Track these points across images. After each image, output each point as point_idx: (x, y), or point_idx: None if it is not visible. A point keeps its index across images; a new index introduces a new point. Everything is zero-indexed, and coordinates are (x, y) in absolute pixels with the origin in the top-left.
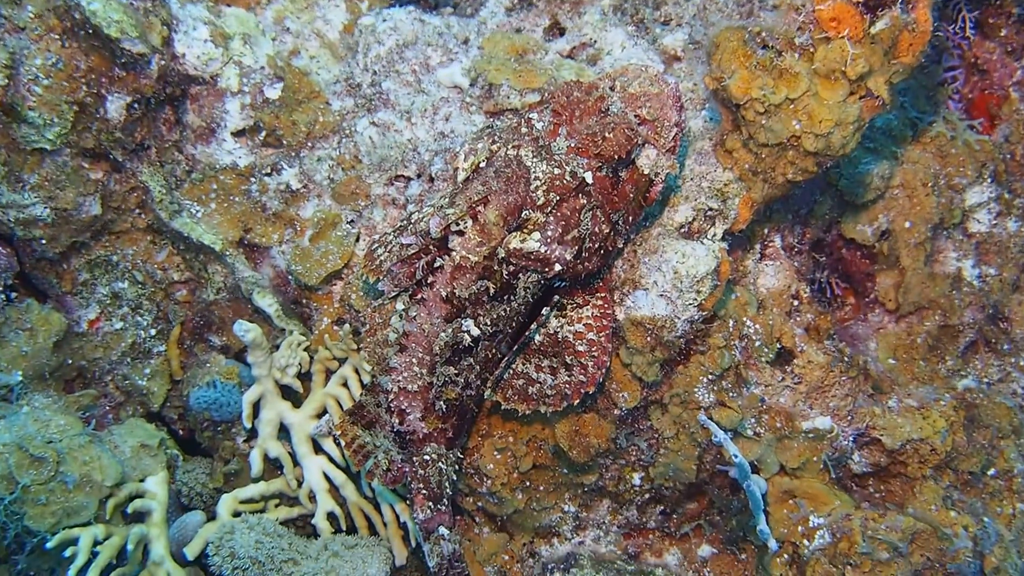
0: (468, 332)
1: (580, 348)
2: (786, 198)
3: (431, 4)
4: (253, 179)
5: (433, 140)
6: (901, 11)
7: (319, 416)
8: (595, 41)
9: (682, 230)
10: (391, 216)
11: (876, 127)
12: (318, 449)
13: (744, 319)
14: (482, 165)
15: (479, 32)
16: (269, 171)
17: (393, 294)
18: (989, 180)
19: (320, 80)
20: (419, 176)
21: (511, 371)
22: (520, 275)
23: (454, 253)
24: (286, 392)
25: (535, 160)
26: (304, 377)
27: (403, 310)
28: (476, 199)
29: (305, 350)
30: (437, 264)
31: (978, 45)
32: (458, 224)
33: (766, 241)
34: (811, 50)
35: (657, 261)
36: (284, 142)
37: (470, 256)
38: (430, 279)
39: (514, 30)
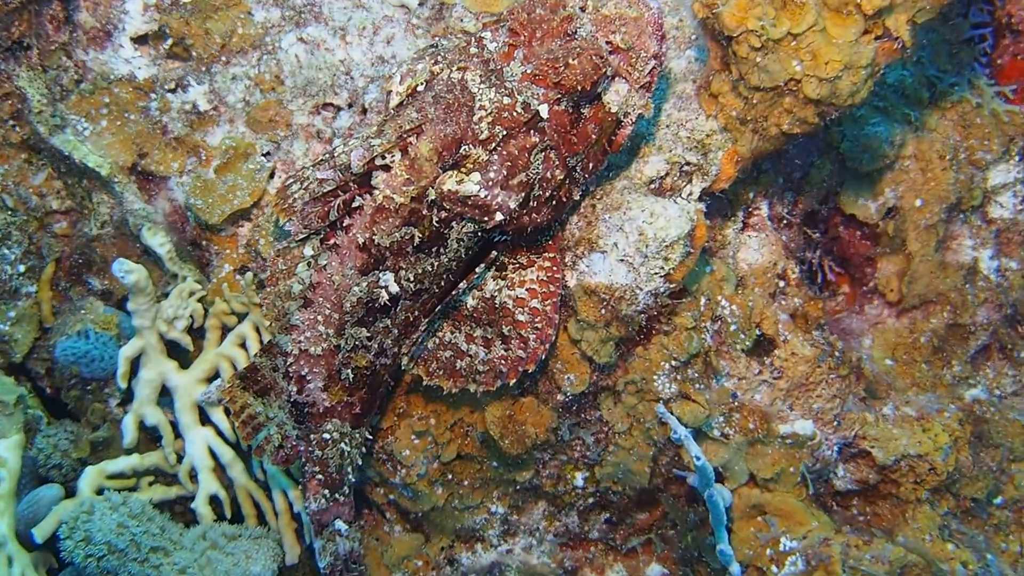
0: (386, 288)
1: (521, 317)
2: (778, 156)
3: None
4: (153, 95)
5: (370, 64)
6: None
7: (210, 380)
8: None
9: (652, 185)
10: (314, 151)
11: (888, 84)
12: (205, 420)
13: (719, 297)
14: (419, 89)
15: None
16: (173, 87)
17: (301, 237)
18: (1018, 159)
19: None
20: (350, 106)
21: (437, 340)
22: (453, 223)
23: (376, 192)
24: (173, 349)
25: (482, 86)
26: (196, 333)
27: (311, 257)
28: (407, 128)
29: (199, 301)
30: (356, 204)
31: (1013, 1)
32: (384, 157)
33: (751, 208)
34: None
35: (619, 219)
36: (194, 54)
37: (395, 196)
38: (346, 222)
39: None
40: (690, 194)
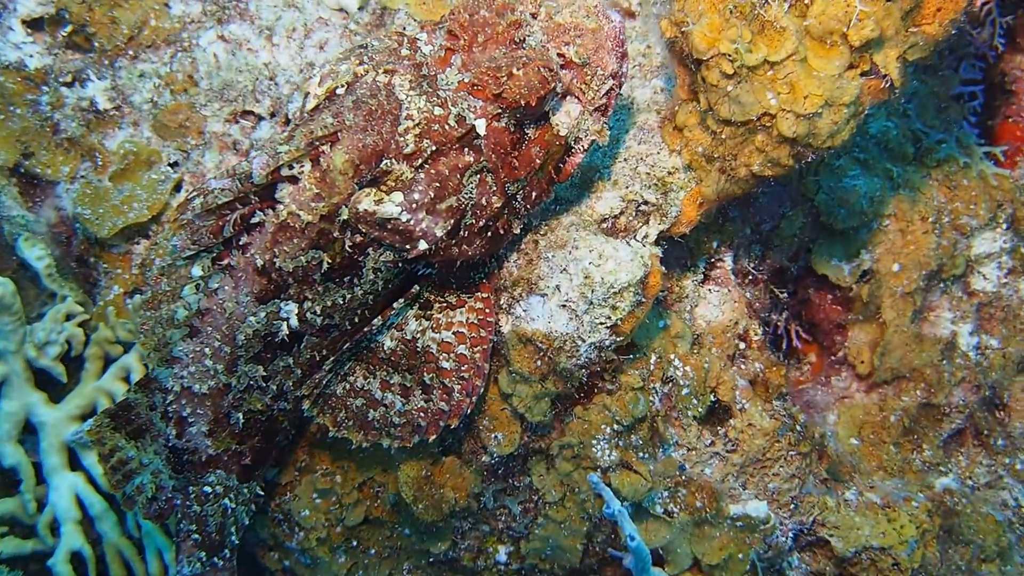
0: (287, 321)
1: (445, 365)
2: (747, 203)
3: None
4: (45, 88)
5: (298, 71)
6: None
7: (85, 418)
8: None
9: (604, 224)
10: (229, 164)
11: (871, 135)
12: (76, 464)
13: (672, 356)
14: (339, 92)
15: None
16: (70, 80)
17: (188, 254)
18: (1005, 226)
19: None
20: (273, 115)
21: (347, 385)
22: (369, 250)
23: (280, 207)
24: (43, 379)
25: (412, 93)
26: (73, 363)
27: (200, 278)
28: (320, 135)
29: (80, 325)
30: (255, 220)
31: (1007, 59)
32: (291, 167)
33: (714, 259)
34: (806, 1)
35: (564, 259)
36: (96, 45)
37: (301, 214)
38: (243, 240)
39: None
40: (645, 237)
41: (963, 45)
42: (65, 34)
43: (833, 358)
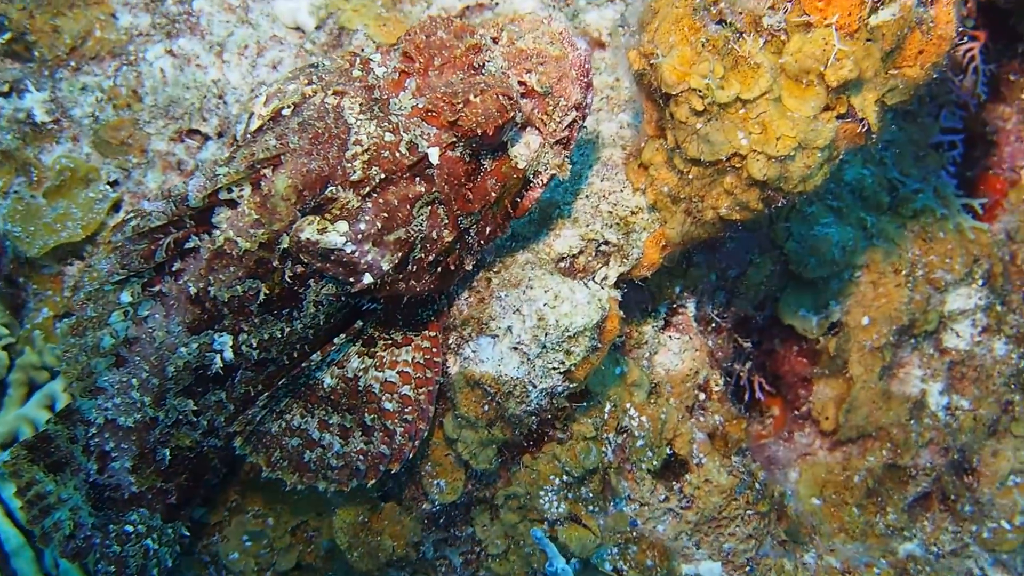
0: (221, 353)
1: (388, 406)
2: (713, 247)
3: None
4: None
5: (248, 90)
6: (916, 2)
7: (6, 447)
8: (496, 2)
9: (561, 263)
10: (172, 184)
11: (845, 182)
12: None
13: (627, 405)
14: (285, 112)
15: None
16: (7, 90)
17: (117, 279)
18: (981, 283)
19: None
20: (220, 136)
21: (283, 423)
22: (311, 282)
23: (217, 233)
24: None
25: (362, 116)
26: None
27: (129, 305)
28: (263, 157)
29: (4, 349)
30: (190, 245)
31: (989, 108)
32: (230, 191)
33: (676, 304)
34: (782, 37)
35: (517, 299)
36: (36, 54)
37: (239, 240)
38: (176, 266)
39: None
40: (605, 279)
41: (944, 92)
42: (3, 41)
43: (797, 413)
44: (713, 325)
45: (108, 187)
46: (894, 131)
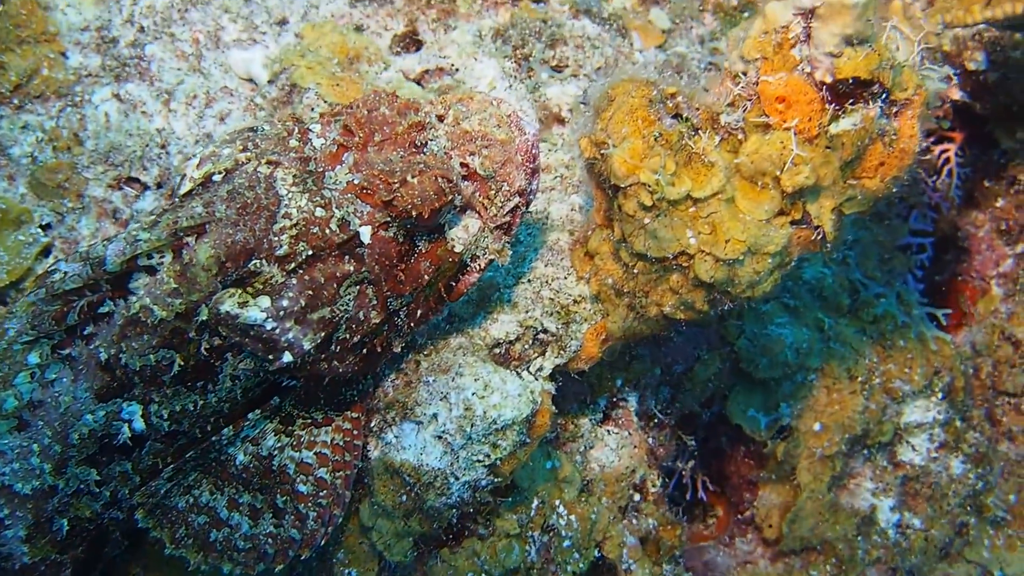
0: (130, 423)
1: (302, 488)
2: (657, 341)
3: None
4: None
5: (193, 141)
6: (879, 113)
7: None
8: (457, 69)
9: (496, 350)
10: (105, 233)
11: (804, 280)
12: None
13: (556, 502)
14: (216, 178)
15: (304, 16)
16: None
17: (26, 339)
18: (940, 396)
19: (64, 21)
20: (159, 186)
21: (191, 499)
22: (228, 355)
23: (133, 299)
24: None
25: (294, 189)
26: None
27: (36, 366)
28: (186, 225)
29: None
30: (104, 309)
31: (963, 213)
32: (150, 257)
33: (616, 398)
34: (739, 136)
35: (445, 386)
36: None
37: (155, 308)
38: (88, 329)
39: (353, 27)
40: (539, 369)
41: (916, 193)
42: None
43: (740, 517)
44: (655, 421)
45: (40, 230)
46: (859, 232)
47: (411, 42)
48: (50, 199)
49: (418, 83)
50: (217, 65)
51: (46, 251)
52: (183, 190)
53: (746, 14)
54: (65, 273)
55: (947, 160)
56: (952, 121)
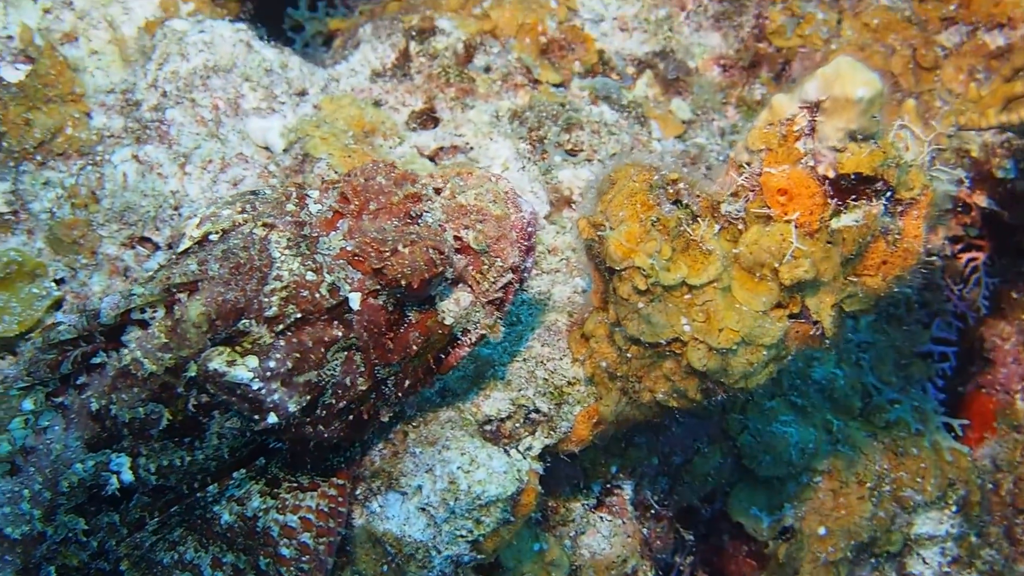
0: (118, 474)
1: (284, 552)
2: (655, 430)
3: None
4: None
5: (206, 205)
6: (883, 211)
7: None
8: (471, 147)
9: (487, 426)
10: (115, 290)
11: (813, 380)
12: None
13: None
14: (213, 238)
15: (325, 88)
16: None
17: (21, 385)
18: (954, 508)
19: (91, 83)
20: (170, 247)
21: (176, 555)
22: (215, 413)
23: (125, 352)
24: None
25: (287, 252)
26: None
27: (30, 413)
28: (179, 282)
29: None
30: (97, 360)
31: (989, 324)
32: (143, 311)
33: (611, 484)
34: (739, 226)
35: (431, 458)
36: (4, 144)
37: (145, 362)
38: (81, 379)
39: (372, 102)
40: (528, 449)
41: (939, 300)
42: None
43: None
44: (652, 511)
45: (53, 284)
46: (875, 335)
47: (428, 119)
48: (65, 254)
49: (432, 160)
50: (235, 132)
51: (57, 304)
52: (181, 247)
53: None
54: (61, 324)
55: (975, 268)
56: (981, 229)
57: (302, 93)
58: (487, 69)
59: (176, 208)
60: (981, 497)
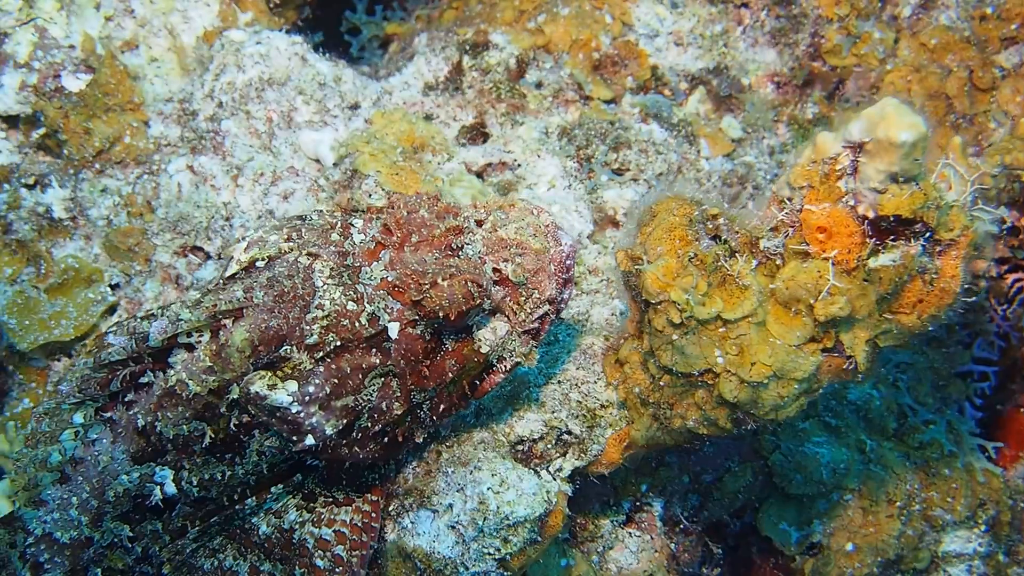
0: (162, 486)
1: (319, 563)
2: (686, 450)
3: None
4: (7, 186)
5: (256, 216)
6: (921, 251)
7: None
8: (519, 164)
9: (519, 447)
10: (167, 297)
11: (848, 401)
12: None
13: None
14: (259, 264)
15: (377, 102)
16: (32, 182)
17: (73, 400)
18: (983, 528)
19: (151, 91)
20: (220, 256)
21: (215, 561)
22: (256, 432)
23: (171, 373)
24: None
25: (330, 281)
26: None
27: (80, 426)
28: (225, 308)
29: None
30: (144, 379)
31: None
32: (190, 335)
33: (641, 501)
34: (777, 262)
35: (463, 478)
36: (65, 152)
37: (190, 383)
38: (129, 396)
39: (423, 116)
40: (559, 470)
41: (981, 321)
42: (38, 136)
43: None
44: (681, 527)
45: (108, 290)
46: (914, 356)
47: (478, 134)
48: (121, 261)
49: (479, 176)
50: (287, 144)
51: (112, 310)
52: (229, 272)
53: (818, 129)
54: (112, 346)
55: (1020, 289)
56: None
57: (355, 106)
58: (538, 85)
59: (227, 219)
60: (1012, 517)
